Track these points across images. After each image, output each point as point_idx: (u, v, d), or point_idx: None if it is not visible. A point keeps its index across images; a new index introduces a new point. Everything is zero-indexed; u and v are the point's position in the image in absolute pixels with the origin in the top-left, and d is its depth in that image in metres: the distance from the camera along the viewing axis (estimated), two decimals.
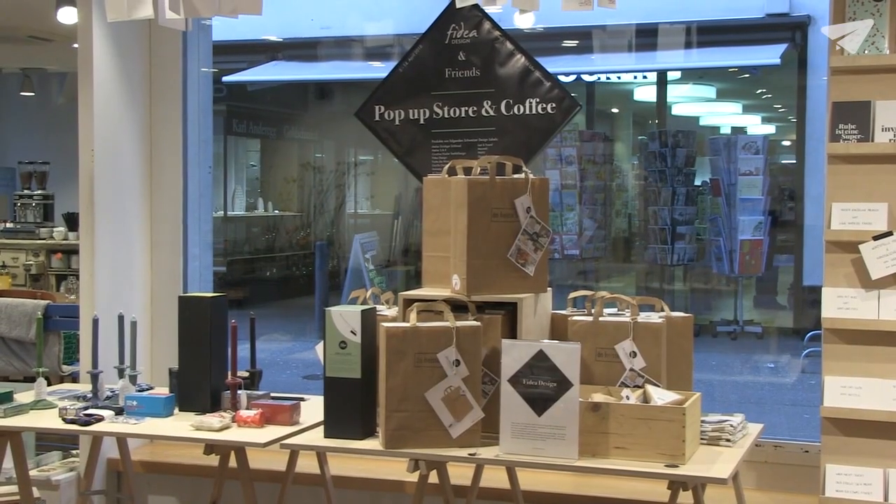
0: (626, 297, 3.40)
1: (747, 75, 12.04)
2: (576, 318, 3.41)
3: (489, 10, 3.90)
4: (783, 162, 12.68)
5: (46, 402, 3.82)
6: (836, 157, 3.46)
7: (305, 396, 3.84)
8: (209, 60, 5.01)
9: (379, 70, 10.80)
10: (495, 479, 3.77)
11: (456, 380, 3.15)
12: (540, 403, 3.04)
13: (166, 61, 4.67)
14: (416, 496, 3.48)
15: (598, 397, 3.16)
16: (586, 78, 11.65)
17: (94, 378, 3.85)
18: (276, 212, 14.54)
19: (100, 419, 3.60)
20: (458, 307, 3.29)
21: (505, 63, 3.99)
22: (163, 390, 3.86)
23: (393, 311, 3.57)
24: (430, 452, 3.18)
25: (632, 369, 3.29)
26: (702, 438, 3.22)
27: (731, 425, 3.25)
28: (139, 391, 3.83)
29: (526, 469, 3.48)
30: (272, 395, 3.80)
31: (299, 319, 12.30)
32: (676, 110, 13.59)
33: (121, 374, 3.82)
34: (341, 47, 11.49)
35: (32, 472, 4.21)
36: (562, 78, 9.12)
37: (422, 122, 4.11)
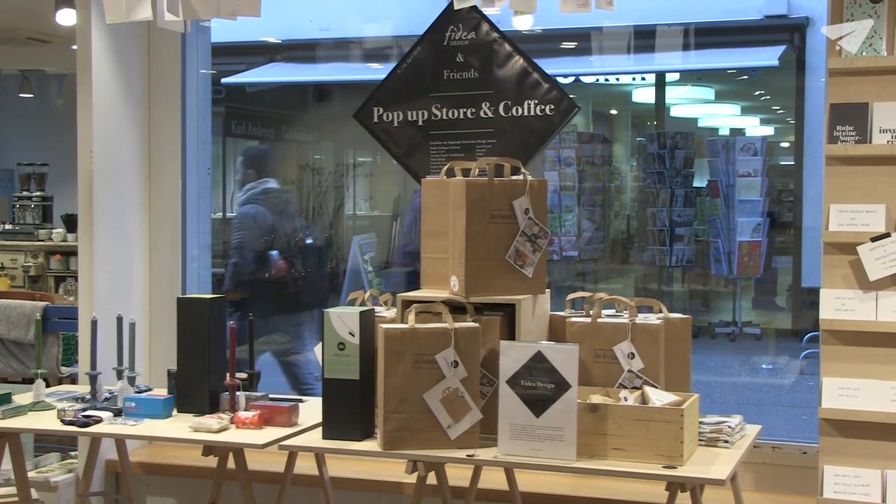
0: (624, 298, 3.40)
1: (746, 77, 12.04)
2: (574, 319, 3.41)
3: (487, 11, 3.90)
4: (782, 163, 12.68)
5: (45, 404, 3.82)
6: (834, 158, 3.46)
7: (304, 398, 3.84)
8: (208, 62, 5.01)
9: (377, 72, 10.79)
10: (494, 480, 3.77)
11: (454, 381, 3.15)
12: (538, 405, 3.05)
13: (165, 63, 4.67)
14: (414, 497, 3.48)
15: (597, 398, 3.16)
16: (585, 79, 11.64)
17: (93, 379, 3.85)
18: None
19: (98, 420, 3.60)
20: (457, 308, 3.29)
21: (503, 65, 3.99)
22: (161, 392, 3.86)
23: (391, 313, 3.57)
24: (428, 454, 3.18)
25: (630, 370, 3.30)
26: (700, 439, 3.23)
27: (730, 426, 3.26)
28: (138, 392, 3.83)
29: (524, 470, 3.48)
30: (270, 396, 3.81)
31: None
32: (675, 112, 13.59)
33: (119, 375, 3.82)
34: (340, 49, 11.48)
35: (31, 474, 4.21)
36: (560, 79, 9.12)
37: (420, 123, 4.11)
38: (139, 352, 3.97)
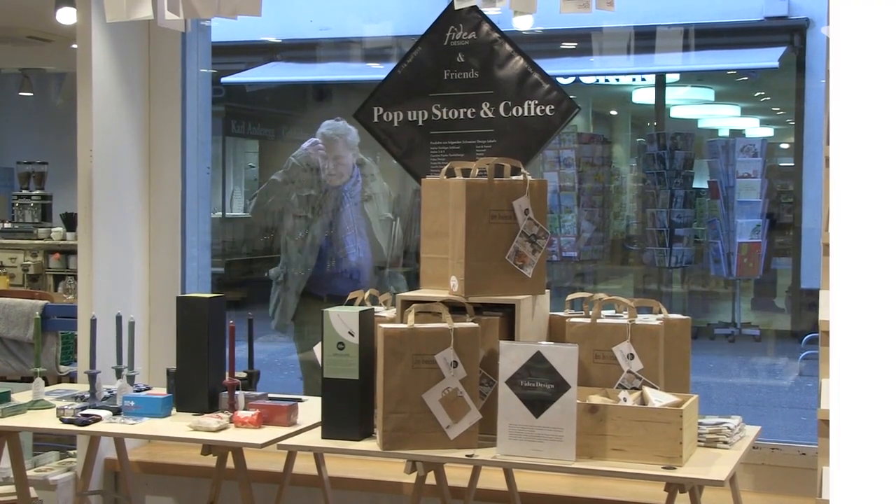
0: (623, 299, 3.40)
1: (745, 78, 12.05)
2: (573, 319, 3.41)
3: (488, 12, 3.90)
4: (781, 165, 12.69)
5: (44, 403, 3.82)
6: None
7: (303, 397, 3.84)
8: (208, 61, 5.01)
9: (377, 71, 10.79)
10: (493, 480, 3.77)
11: (454, 381, 3.15)
12: (537, 405, 3.04)
13: (165, 62, 4.67)
14: (413, 497, 3.48)
15: (596, 399, 3.16)
16: (585, 80, 11.65)
17: (92, 378, 3.85)
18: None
19: (97, 419, 3.60)
20: (456, 309, 3.29)
21: (503, 65, 3.99)
22: (160, 391, 3.86)
23: (391, 313, 3.57)
24: (427, 454, 3.18)
25: (629, 371, 3.29)
26: (699, 440, 3.23)
27: (729, 427, 3.26)
28: (137, 391, 3.83)
29: (523, 471, 3.48)
30: (270, 395, 3.80)
31: None
32: (675, 113, 13.59)
33: (118, 374, 3.82)
34: (340, 48, 11.48)
35: (30, 473, 4.21)
36: (560, 80, 9.12)
37: (420, 123, 4.11)
38: (138, 351, 3.97)
